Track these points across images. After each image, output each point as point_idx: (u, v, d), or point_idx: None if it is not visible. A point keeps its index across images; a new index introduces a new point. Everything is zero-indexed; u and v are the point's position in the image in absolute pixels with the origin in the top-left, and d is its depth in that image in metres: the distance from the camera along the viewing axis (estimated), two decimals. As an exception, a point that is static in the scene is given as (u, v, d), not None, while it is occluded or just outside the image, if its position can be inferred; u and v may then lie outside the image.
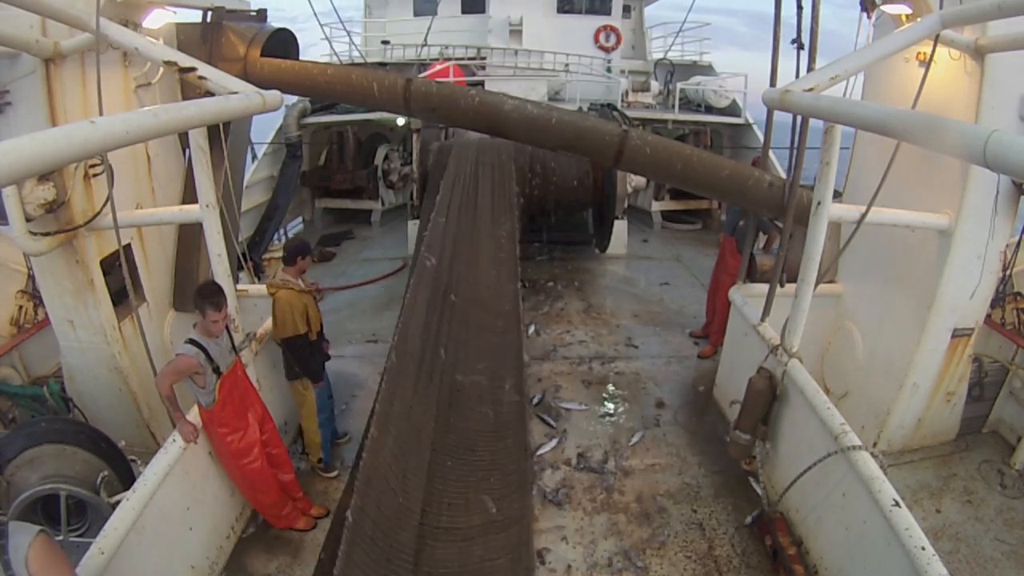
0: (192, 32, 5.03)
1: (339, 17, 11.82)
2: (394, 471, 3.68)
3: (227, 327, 3.72)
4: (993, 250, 4.34)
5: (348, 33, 12.53)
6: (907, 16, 4.34)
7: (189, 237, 5.21)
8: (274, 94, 3.55)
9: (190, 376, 3.44)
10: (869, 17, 4.66)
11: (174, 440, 3.41)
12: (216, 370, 3.51)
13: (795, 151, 4.40)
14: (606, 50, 12.78)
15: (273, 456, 3.95)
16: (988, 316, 4.97)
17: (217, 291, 3.49)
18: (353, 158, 10.99)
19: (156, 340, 4.86)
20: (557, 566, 3.73)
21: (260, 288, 4.97)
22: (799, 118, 4.23)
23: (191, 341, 3.45)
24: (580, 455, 4.71)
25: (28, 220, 3.76)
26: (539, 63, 11.80)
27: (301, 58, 5.69)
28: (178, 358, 3.39)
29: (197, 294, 3.45)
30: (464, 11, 13.00)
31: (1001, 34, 3.80)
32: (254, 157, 9.73)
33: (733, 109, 11.52)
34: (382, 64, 12.25)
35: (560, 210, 8.70)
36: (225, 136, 4.81)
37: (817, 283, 4.00)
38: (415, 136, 8.58)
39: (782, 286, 4.54)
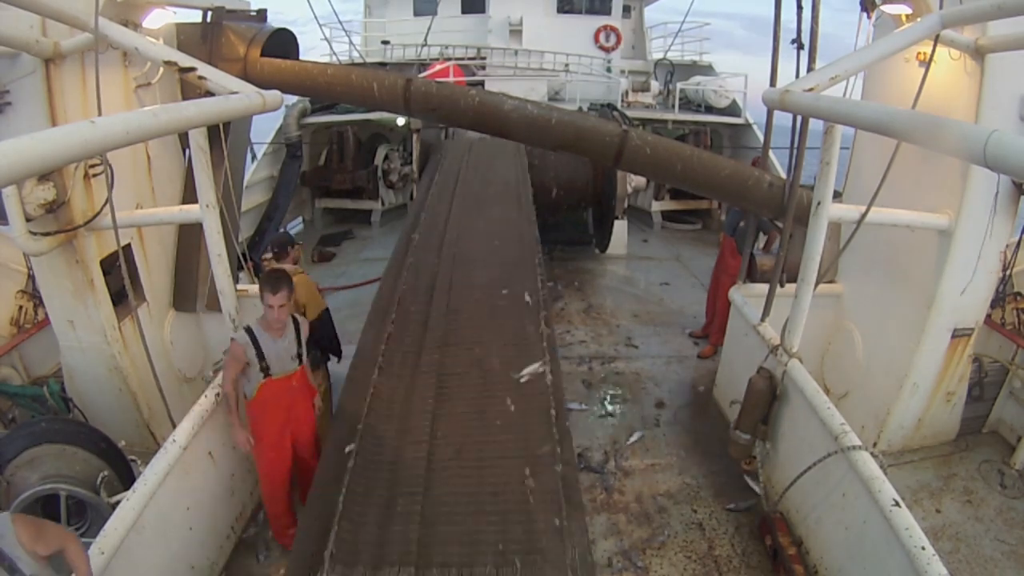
0: (192, 32, 5.02)
1: (339, 20, 11.80)
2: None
3: (299, 333, 3.57)
4: (993, 250, 4.34)
5: (348, 35, 12.51)
6: (907, 16, 4.34)
7: (189, 237, 5.21)
8: (274, 94, 3.54)
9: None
10: (869, 17, 4.67)
11: (174, 440, 3.41)
12: (265, 369, 3.40)
13: (795, 151, 4.40)
14: (606, 50, 12.79)
15: (304, 473, 3.84)
16: (988, 316, 4.97)
17: (280, 276, 3.40)
18: (353, 158, 10.98)
19: (156, 340, 4.86)
20: (557, 566, 3.73)
21: (260, 288, 4.97)
22: (799, 118, 4.23)
23: (247, 328, 3.38)
24: (580, 455, 4.70)
25: (28, 220, 3.75)
26: (539, 63, 11.82)
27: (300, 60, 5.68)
28: (231, 345, 3.37)
29: (264, 276, 3.43)
30: (464, 11, 13.01)
31: (1001, 34, 3.80)
32: (254, 157, 9.71)
33: (733, 109, 11.52)
34: (382, 64, 12.25)
35: (560, 211, 8.71)
36: (225, 136, 4.80)
37: (817, 283, 4.00)
38: (415, 136, 8.60)
39: (782, 286, 4.54)
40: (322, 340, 4.41)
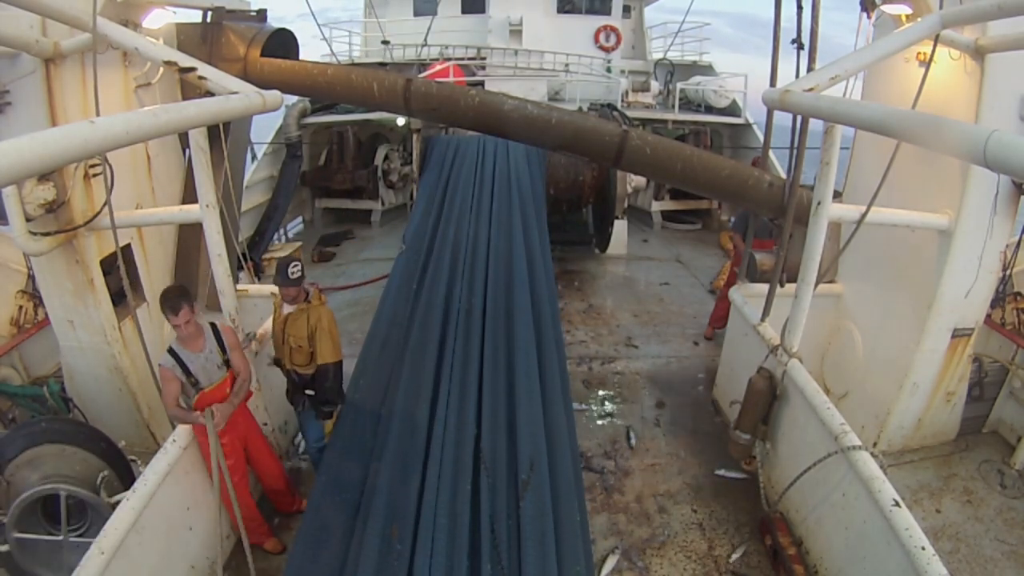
0: (192, 32, 5.02)
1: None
2: None
3: (220, 340, 3.53)
4: (993, 250, 4.34)
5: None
6: (907, 16, 4.34)
7: (189, 237, 5.21)
8: (274, 94, 3.54)
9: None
10: (869, 17, 4.66)
11: (174, 440, 3.41)
12: (195, 384, 3.40)
13: (795, 151, 4.40)
14: (606, 50, 12.77)
15: (257, 458, 3.86)
16: (988, 316, 4.97)
17: (177, 293, 3.33)
18: (353, 158, 10.98)
19: (156, 340, 4.85)
20: (557, 566, 3.72)
21: (260, 288, 4.97)
22: (799, 118, 4.23)
23: (170, 349, 3.38)
24: (580, 455, 4.69)
25: (28, 220, 3.76)
26: (539, 63, 11.79)
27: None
28: (159, 370, 3.37)
29: (161, 298, 3.30)
30: (464, 11, 12.99)
31: (1001, 34, 3.79)
32: (254, 157, 9.72)
33: (733, 109, 11.52)
34: (382, 64, 12.23)
35: (560, 210, 8.70)
36: (225, 136, 4.81)
37: (817, 283, 4.00)
38: (415, 136, 8.58)
39: (782, 286, 4.54)
40: (325, 394, 3.88)
